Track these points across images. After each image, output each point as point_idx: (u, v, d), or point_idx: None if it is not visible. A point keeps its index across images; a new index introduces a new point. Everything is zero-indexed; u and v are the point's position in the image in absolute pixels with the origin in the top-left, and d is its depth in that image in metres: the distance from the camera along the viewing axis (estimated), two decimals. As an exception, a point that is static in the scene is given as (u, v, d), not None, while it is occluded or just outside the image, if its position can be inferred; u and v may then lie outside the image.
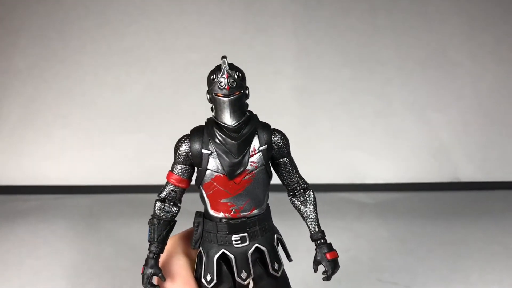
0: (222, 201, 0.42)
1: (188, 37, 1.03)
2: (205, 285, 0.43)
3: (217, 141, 0.42)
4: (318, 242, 0.43)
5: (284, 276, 0.44)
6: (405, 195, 1.00)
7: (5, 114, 1.05)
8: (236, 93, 0.42)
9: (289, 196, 0.45)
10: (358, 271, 0.71)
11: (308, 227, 0.44)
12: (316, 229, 0.43)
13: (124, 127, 1.05)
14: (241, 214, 0.42)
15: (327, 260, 0.43)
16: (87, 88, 1.04)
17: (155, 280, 0.42)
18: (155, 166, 1.07)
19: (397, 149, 1.05)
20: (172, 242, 0.45)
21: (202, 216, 0.44)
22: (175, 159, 0.44)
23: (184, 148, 0.43)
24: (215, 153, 0.42)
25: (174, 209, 0.44)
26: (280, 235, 0.45)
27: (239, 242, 0.42)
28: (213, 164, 0.42)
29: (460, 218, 0.89)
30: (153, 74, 1.04)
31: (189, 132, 0.45)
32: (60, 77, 1.04)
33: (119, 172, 1.06)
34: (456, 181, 1.06)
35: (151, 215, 0.44)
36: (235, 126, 0.42)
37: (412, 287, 0.68)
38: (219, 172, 0.41)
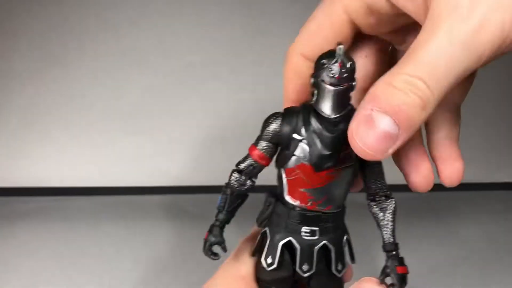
0: (301, 190, 0.40)
1: (188, 39, 1.03)
2: (264, 267, 0.42)
3: (312, 129, 0.39)
4: (391, 253, 0.42)
5: (342, 280, 0.44)
6: (405, 196, 0.99)
7: (5, 117, 1.05)
8: (345, 85, 0.38)
9: (368, 200, 0.43)
10: (358, 272, 0.71)
11: (382, 236, 0.43)
12: (391, 240, 0.42)
13: (124, 129, 1.05)
14: (317, 207, 0.40)
15: (397, 273, 0.41)
16: (87, 90, 1.04)
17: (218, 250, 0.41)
18: (155, 168, 1.07)
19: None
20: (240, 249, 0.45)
21: (275, 198, 0.42)
22: (261, 134, 0.41)
23: (274, 126, 0.40)
24: (307, 141, 0.39)
25: (249, 183, 0.42)
26: (349, 236, 0.44)
27: (308, 234, 0.41)
28: (301, 151, 0.39)
29: (460, 219, 0.89)
30: (153, 76, 1.04)
31: (282, 111, 0.41)
32: (60, 80, 1.04)
33: (119, 174, 1.06)
34: (456, 182, 1.06)
35: (225, 183, 0.42)
36: (334, 118, 0.38)
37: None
38: (305, 161, 0.39)
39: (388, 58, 0.46)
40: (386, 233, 0.42)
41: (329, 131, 0.38)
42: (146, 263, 0.75)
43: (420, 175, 0.44)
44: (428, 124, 0.46)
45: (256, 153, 0.41)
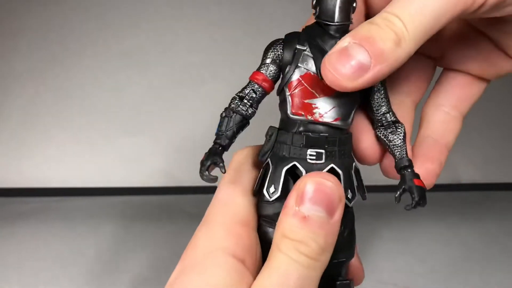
0: (306, 101, 0.39)
1: (188, 39, 1.03)
2: (267, 198, 0.39)
3: (316, 39, 0.39)
4: (405, 170, 0.40)
5: (351, 212, 0.41)
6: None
7: (5, 117, 1.05)
8: None
9: (376, 129, 0.42)
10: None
11: (394, 155, 0.40)
12: (404, 155, 0.40)
13: (124, 130, 1.05)
14: (324, 120, 0.39)
15: (415, 186, 0.39)
16: (87, 90, 1.04)
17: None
18: (155, 168, 1.08)
19: None
20: (244, 152, 0.42)
21: (277, 129, 0.40)
22: (263, 59, 0.42)
23: (277, 48, 0.41)
24: (310, 50, 0.39)
25: (250, 110, 0.40)
26: (358, 167, 0.41)
27: (314, 158, 0.38)
28: (305, 60, 0.39)
29: (460, 219, 0.89)
30: (153, 77, 1.04)
31: (288, 34, 0.41)
32: (60, 80, 1.04)
33: (119, 174, 1.06)
34: (457, 183, 1.06)
35: (225, 108, 0.41)
36: (339, 24, 0.39)
37: (412, 288, 0.68)
38: (310, 70, 0.39)
39: None
40: (398, 152, 0.40)
41: (333, 38, 0.39)
42: (146, 263, 0.75)
43: (366, 139, 0.43)
44: (421, 123, 0.46)
45: (258, 75, 0.41)
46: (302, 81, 0.39)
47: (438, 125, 0.45)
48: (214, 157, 0.38)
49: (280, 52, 0.41)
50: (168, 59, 1.03)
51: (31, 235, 0.86)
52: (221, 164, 0.38)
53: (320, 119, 0.39)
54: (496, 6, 0.35)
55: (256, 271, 0.37)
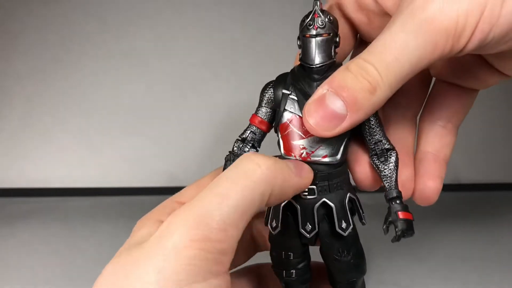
0: (294, 142, 0.42)
1: (188, 40, 1.03)
2: (271, 231, 0.44)
3: (299, 82, 0.42)
4: (393, 202, 0.41)
5: (352, 236, 0.44)
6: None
7: (5, 117, 1.05)
8: (324, 35, 0.41)
9: (370, 157, 0.43)
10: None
11: (385, 186, 0.42)
12: (393, 187, 0.42)
13: (124, 130, 1.05)
14: (312, 158, 0.41)
15: (398, 219, 0.40)
16: (87, 91, 1.04)
17: None
18: (154, 168, 1.08)
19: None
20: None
21: None
22: (259, 103, 0.45)
23: (268, 92, 0.44)
24: (295, 93, 0.42)
25: (252, 150, 0.45)
26: (355, 196, 0.44)
27: (306, 193, 0.42)
28: (291, 104, 0.42)
29: (461, 220, 0.89)
30: (153, 77, 1.04)
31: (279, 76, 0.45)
32: (60, 80, 1.04)
33: (119, 174, 1.06)
34: (457, 183, 1.06)
35: (229, 151, 0.45)
36: (318, 66, 0.41)
37: (412, 288, 0.68)
38: (295, 113, 0.42)
39: None
40: (387, 183, 0.42)
41: (314, 80, 0.41)
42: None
43: (360, 170, 0.44)
44: (418, 137, 0.46)
45: (255, 119, 0.44)
46: (290, 124, 0.42)
47: (436, 140, 0.46)
48: None
49: (271, 95, 0.44)
50: (168, 60, 1.03)
51: (31, 235, 0.86)
52: None
53: (308, 159, 0.41)
54: (477, 50, 0.36)
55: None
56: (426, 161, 0.45)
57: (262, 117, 0.44)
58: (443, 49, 0.35)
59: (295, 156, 0.41)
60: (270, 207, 0.44)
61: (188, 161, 1.05)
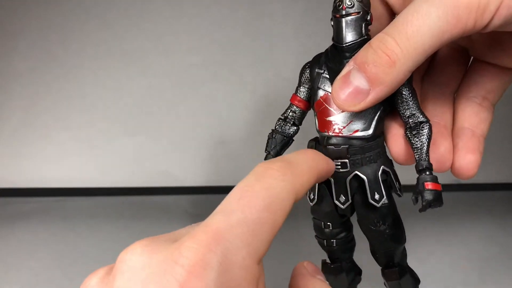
0: (327, 119, 0.43)
1: (189, 39, 1.03)
2: (309, 202, 0.47)
3: (331, 61, 0.43)
4: (422, 172, 0.42)
5: (387, 207, 0.45)
6: (405, 196, 1.00)
7: (5, 117, 1.05)
8: (353, 14, 0.42)
9: (405, 131, 0.44)
10: (366, 274, 0.71)
11: (416, 158, 0.42)
12: (423, 159, 0.42)
13: (124, 130, 1.05)
14: (344, 133, 0.43)
15: (425, 189, 0.41)
16: (87, 91, 1.04)
17: None
18: (155, 168, 1.07)
19: None
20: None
21: (316, 141, 0.46)
22: (298, 83, 0.47)
23: (305, 71, 0.46)
24: (326, 72, 0.44)
25: (293, 128, 0.48)
26: (391, 169, 0.46)
27: (339, 167, 0.44)
28: (324, 82, 0.44)
29: (460, 219, 0.89)
30: (153, 77, 1.04)
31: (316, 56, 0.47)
32: (60, 80, 1.04)
33: (119, 174, 1.06)
34: (457, 183, 1.06)
35: (272, 129, 0.48)
36: (348, 45, 0.42)
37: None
38: (327, 91, 0.43)
39: None
40: (418, 155, 0.42)
41: (344, 58, 0.42)
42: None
43: (395, 144, 0.45)
44: (455, 114, 0.47)
45: (295, 99, 0.47)
46: (323, 102, 0.44)
47: (472, 116, 0.47)
48: None
49: (308, 75, 0.46)
50: (168, 59, 1.03)
51: (31, 235, 0.86)
52: None
53: (340, 134, 0.43)
54: (504, 26, 0.35)
55: None
56: (464, 136, 0.46)
57: (301, 96, 0.47)
58: (466, 24, 0.35)
59: (328, 132, 0.43)
60: None
61: (188, 161, 1.05)
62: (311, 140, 0.47)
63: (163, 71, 1.04)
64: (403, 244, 0.48)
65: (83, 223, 0.90)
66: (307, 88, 0.46)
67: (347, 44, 0.42)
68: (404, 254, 0.50)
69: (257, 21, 1.02)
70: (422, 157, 0.42)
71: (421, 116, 0.43)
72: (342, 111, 0.43)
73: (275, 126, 0.48)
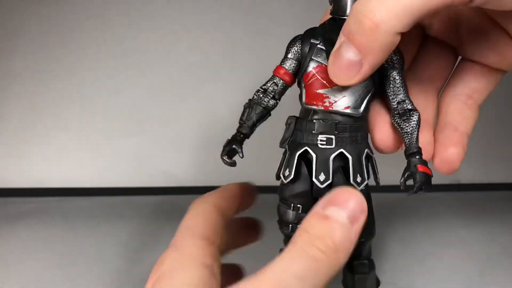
0: (318, 91, 0.42)
1: (188, 39, 1.03)
2: (282, 180, 0.44)
3: (329, 33, 0.42)
4: (412, 155, 0.42)
5: (366, 193, 0.43)
6: (405, 196, 1.00)
7: (5, 117, 1.05)
8: None
9: (392, 118, 0.43)
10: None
11: (404, 142, 0.42)
12: (413, 143, 0.42)
13: (124, 130, 1.05)
14: (334, 108, 0.41)
15: (418, 171, 0.41)
16: (87, 91, 1.04)
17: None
18: (155, 168, 1.07)
19: (397, 151, 1.05)
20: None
21: (295, 118, 0.44)
22: (285, 55, 0.45)
23: (296, 43, 0.44)
24: (323, 43, 0.42)
25: (272, 101, 0.45)
26: (372, 154, 0.44)
27: (324, 143, 0.41)
28: (318, 53, 0.42)
29: (460, 220, 0.89)
30: (153, 77, 1.04)
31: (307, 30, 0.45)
32: (60, 80, 1.04)
33: (119, 174, 1.06)
34: (456, 183, 1.06)
35: (248, 99, 0.45)
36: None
37: (412, 288, 0.68)
38: (321, 62, 0.42)
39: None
40: (408, 139, 0.42)
41: None
42: (146, 263, 0.75)
43: (381, 130, 0.44)
44: (439, 111, 0.47)
45: (280, 70, 0.45)
46: (315, 73, 0.42)
47: (456, 114, 0.46)
48: (234, 143, 0.44)
49: (299, 47, 0.44)
50: (168, 59, 1.03)
51: (31, 235, 0.86)
52: (239, 150, 0.43)
53: (330, 108, 0.41)
54: (487, 3, 0.35)
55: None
56: (446, 130, 0.45)
57: (287, 68, 0.44)
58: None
59: (317, 105, 0.42)
60: (284, 158, 0.44)
61: (188, 161, 1.05)
62: (290, 117, 0.44)
63: (163, 71, 1.04)
64: (373, 237, 0.46)
65: (83, 223, 0.90)
66: (295, 61, 0.44)
67: (344, 17, 0.41)
68: (370, 249, 0.48)
69: (257, 21, 1.02)
70: (413, 141, 0.42)
71: (411, 104, 0.43)
72: (334, 85, 0.41)
73: (253, 97, 0.45)
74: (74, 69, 1.03)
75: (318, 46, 0.42)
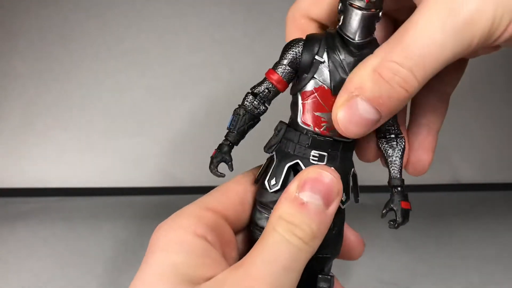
0: (316, 114, 0.40)
1: (188, 39, 1.03)
2: (267, 188, 0.41)
3: (334, 53, 0.39)
4: (397, 189, 0.42)
5: (342, 212, 0.43)
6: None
7: (5, 117, 1.05)
8: (372, 10, 0.38)
9: (378, 138, 0.43)
10: (358, 272, 0.71)
11: (390, 172, 0.42)
12: (398, 175, 0.42)
13: (124, 130, 1.05)
14: (330, 133, 0.40)
15: (401, 208, 0.41)
16: (87, 91, 1.04)
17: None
18: (155, 168, 1.07)
19: None
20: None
21: (286, 125, 0.42)
22: (280, 59, 0.41)
23: (295, 51, 0.41)
24: (327, 63, 0.39)
25: (262, 107, 0.42)
26: (355, 172, 0.43)
27: (316, 159, 0.40)
28: (321, 74, 0.39)
29: (460, 220, 0.89)
30: (153, 77, 1.04)
31: (304, 37, 0.41)
32: (60, 80, 1.04)
33: (119, 174, 1.06)
34: (456, 183, 1.06)
35: (238, 105, 0.43)
36: (359, 42, 0.39)
37: (413, 288, 0.68)
38: (325, 84, 0.39)
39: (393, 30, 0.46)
40: (393, 169, 0.42)
41: (352, 55, 0.39)
42: (146, 263, 0.75)
43: (366, 144, 0.45)
44: (411, 109, 0.47)
45: (274, 76, 0.41)
46: (315, 93, 0.39)
47: (430, 112, 0.46)
48: (223, 155, 0.42)
49: (299, 55, 0.40)
50: (168, 59, 1.03)
51: (31, 235, 0.86)
52: (229, 163, 0.41)
53: (326, 133, 0.40)
54: (501, 44, 0.35)
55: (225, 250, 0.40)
56: (420, 134, 0.46)
57: (282, 75, 0.41)
58: (476, 47, 0.34)
59: (313, 129, 0.40)
60: (268, 164, 0.42)
61: (188, 161, 1.05)
62: (281, 122, 0.42)
63: (163, 71, 1.04)
64: (337, 255, 0.45)
65: (83, 223, 0.90)
66: (291, 68, 0.41)
67: (358, 42, 0.39)
68: (331, 266, 0.46)
69: (256, 21, 1.02)
70: (397, 172, 0.42)
71: (397, 128, 0.42)
72: None
73: (244, 102, 0.42)
74: (74, 69, 1.03)
75: (322, 65, 0.39)
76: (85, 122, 1.05)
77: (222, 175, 0.40)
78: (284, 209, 0.37)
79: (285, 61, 0.41)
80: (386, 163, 0.43)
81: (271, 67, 0.42)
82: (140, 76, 1.04)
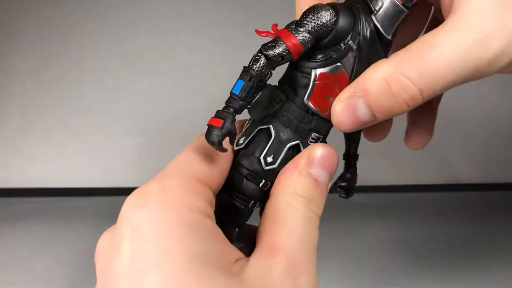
0: (328, 98, 0.37)
1: (188, 39, 1.03)
2: (262, 164, 0.38)
3: (367, 40, 0.36)
4: (353, 164, 0.46)
5: None
6: (405, 197, 1.00)
7: (5, 117, 1.05)
8: (408, 11, 0.36)
9: None
10: (358, 272, 0.71)
11: (350, 148, 0.46)
12: (357, 152, 0.46)
13: (124, 130, 1.05)
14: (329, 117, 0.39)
15: (354, 182, 0.46)
16: (87, 91, 1.04)
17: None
18: (155, 168, 1.07)
19: (397, 151, 1.05)
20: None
21: (286, 99, 0.38)
22: (303, 22, 0.35)
23: (327, 18, 0.35)
24: (356, 53, 0.36)
25: (269, 75, 0.37)
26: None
27: (313, 141, 0.39)
28: (348, 61, 0.36)
29: (460, 220, 0.89)
30: (153, 77, 1.04)
31: (336, 5, 0.36)
32: (60, 80, 1.04)
33: (119, 174, 1.06)
34: (456, 183, 1.06)
35: (248, 67, 0.38)
36: (390, 40, 0.37)
37: (413, 288, 0.68)
38: (346, 71, 0.36)
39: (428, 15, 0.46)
40: (355, 147, 0.46)
41: (378, 55, 0.37)
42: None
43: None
44: None
45: (293, 42, 0.35)
46: (334, 79, 0.37)
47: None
48: (230, 128, 0.36)
49: (328, 30, 0.35)
50: (168, 59, 1.03)
51: (31, 235, 0.85)
52: (234, 138, 0.36)
53: (329, 117, 0.38)
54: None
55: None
56: (426, 116, 0.48)
57: (302, 44, 0.35)
58: (479, 75, 0.35)
59: (320, 111, 0.38)
60: (259, 133, 0.39)
61: (188, 161, 1.05)
62: (277, 90, 0.38)
63: (163, 71, 1.04)
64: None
65: (83, 223, 0.90)
66: (313, 37, 0.35)
67: (388, 38, 0.37)
68: None
69: (257, 21, 1.02)
70: (356, 148, 0.46)
71: None
72: None
73: (253, 66, 0.38)
74: (74, 69, 1.03)
75: (351, 53, 0.36)
76: (85, 122, 1.05)
77: (225, 150, 0.35)
78: (299, 185, 0.37)
79: (309, 26, 0.35)
80: (349, 140, 0.46)
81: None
82: (140, 76, 1.04)
